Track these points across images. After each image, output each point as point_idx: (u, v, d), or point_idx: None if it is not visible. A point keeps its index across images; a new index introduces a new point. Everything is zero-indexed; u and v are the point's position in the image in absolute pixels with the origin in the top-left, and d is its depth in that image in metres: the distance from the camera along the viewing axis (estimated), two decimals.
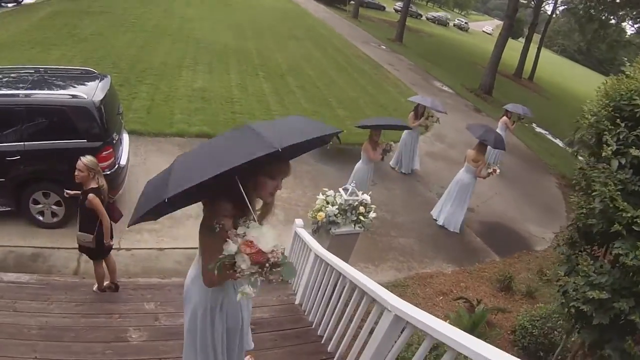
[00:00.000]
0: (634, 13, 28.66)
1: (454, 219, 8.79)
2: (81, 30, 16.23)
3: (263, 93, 12.75)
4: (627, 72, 4.76)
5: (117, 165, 6.31)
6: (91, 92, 5.98)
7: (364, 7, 44.94)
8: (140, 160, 8.11)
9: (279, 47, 19.07)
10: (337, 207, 5.52)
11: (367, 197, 5.68)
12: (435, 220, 8.97)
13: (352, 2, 43.01)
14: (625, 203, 4.00)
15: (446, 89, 20.78)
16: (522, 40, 54.99)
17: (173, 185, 1.92)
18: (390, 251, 7.73)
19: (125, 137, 7.23)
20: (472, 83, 23.58)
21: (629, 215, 3.95)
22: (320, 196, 5.66)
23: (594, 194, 4.30)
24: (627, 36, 35.65)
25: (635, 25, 30.77)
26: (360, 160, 7.80)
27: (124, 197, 6.63)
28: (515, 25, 28.27)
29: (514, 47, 22.51)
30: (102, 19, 18.67)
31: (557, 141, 18.54)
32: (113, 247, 4.84)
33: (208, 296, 2.54)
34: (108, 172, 5.92)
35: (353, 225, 5.63)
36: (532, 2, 35.18)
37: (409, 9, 35.62)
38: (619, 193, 4.10)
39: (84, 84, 6.31)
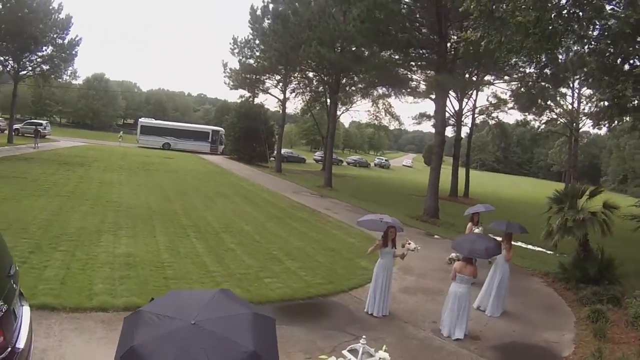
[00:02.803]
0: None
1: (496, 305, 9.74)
2: None
3: (197, 254, 11.38)
4: None
5: (9, 349, 4.30)
6: None
7: (284, 161, 47.04)
8: (54, 343, 6.20)
9: (206, 206, 18.16)
10: None
11: (385, 356, 4.42)
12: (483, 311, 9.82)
13: (272, 158, 45.15)
14: None
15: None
16: (443, 166, 61.38)
17: None
18: None
19: (25, 310, 5.15)
20: (413, 211, 23.63)
21: None
22: None
23: None
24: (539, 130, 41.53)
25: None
26: (459, 283, 8.01)
27: None
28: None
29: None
30: (15, 183, 17.41)
31: (519, 243, 18.04)
32: None
33: None
34: None
35: None
36: (453, 118, 37.46)
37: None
38: None
39: None
